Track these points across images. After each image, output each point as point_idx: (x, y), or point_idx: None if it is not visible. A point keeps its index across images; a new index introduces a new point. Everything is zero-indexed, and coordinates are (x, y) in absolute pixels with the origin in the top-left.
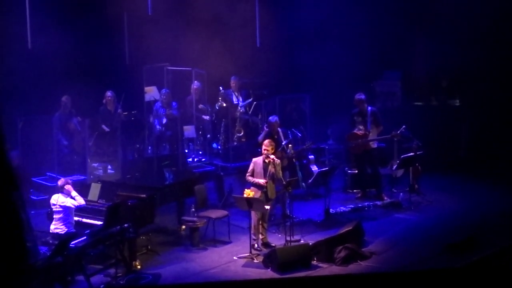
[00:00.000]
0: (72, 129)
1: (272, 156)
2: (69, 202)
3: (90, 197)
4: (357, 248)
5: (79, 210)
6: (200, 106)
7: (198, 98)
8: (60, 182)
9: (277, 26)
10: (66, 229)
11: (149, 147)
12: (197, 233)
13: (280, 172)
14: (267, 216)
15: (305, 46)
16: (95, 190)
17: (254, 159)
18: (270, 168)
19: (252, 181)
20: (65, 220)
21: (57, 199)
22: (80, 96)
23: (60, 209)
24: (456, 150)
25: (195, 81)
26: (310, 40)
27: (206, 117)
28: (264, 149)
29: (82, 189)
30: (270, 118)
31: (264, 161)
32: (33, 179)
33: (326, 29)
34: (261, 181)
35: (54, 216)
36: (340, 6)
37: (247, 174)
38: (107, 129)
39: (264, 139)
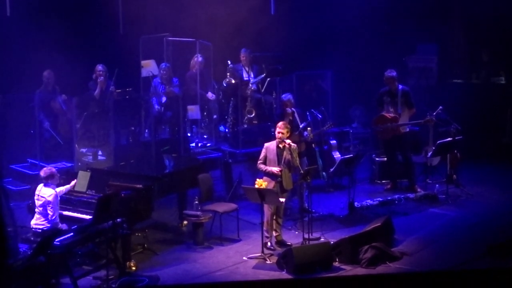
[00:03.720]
0: (56, 109)
1: (287, 141)
2: (51, 196)
3: (77, 188)
4: (386, 247)
5: (63, 202)
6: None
7: (200, 73)
8: (43, 173)
9: None
10: (48, 226)
11: (146, 130)
12: (201, 230)
13: (297, 159)
14: (282, 210)
15: (327, 15)
16: (83, 180)
17: (266, 144)
18: (285, 155)
19: (264, 169)
20: (47, 216)
21: (40, 190)
22: (65, 71)
23: (43, 201)
24: (500, 136)
25: (198, 55)
26: (333, 8)
27: (212, 96)
28: (278, 132)
29: (68, 178)
30: (283, 96)
31: (278, 147)
32: (12, 166)
33: None
34: (275, 169)
35: (36, 210)
36: None
37: (259, 162)
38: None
39: (279, 120)
